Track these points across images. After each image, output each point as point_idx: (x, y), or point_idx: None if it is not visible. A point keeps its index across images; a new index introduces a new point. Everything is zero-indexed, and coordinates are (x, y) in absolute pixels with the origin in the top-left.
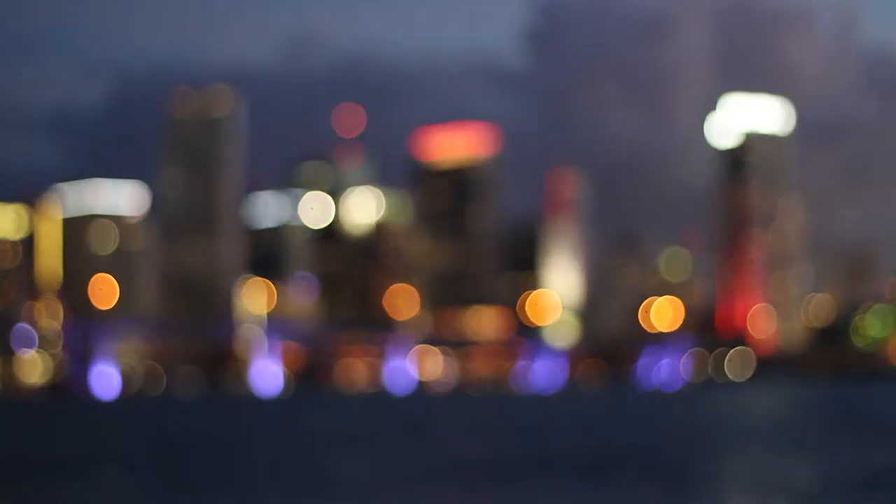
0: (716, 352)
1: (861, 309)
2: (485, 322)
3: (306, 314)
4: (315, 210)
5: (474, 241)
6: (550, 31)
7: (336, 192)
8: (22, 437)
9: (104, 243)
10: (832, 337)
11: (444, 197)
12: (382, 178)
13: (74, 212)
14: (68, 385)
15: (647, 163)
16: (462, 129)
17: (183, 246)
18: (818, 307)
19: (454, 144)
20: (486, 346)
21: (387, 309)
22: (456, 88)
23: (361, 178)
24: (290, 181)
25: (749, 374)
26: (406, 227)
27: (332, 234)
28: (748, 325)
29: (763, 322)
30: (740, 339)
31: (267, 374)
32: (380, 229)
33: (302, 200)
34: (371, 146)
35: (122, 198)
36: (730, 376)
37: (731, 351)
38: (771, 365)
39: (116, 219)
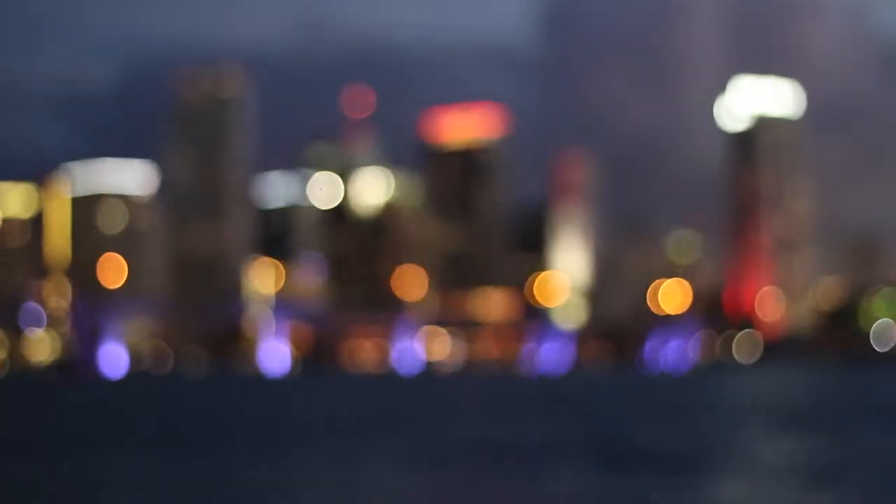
0: (723, 334)
1: (869, 292)
2: (492, 303)
3: (314, 295)
4: (324, 190)
5: (483, 223)
6: (561, 14)
7: (345, 173)
8: (28, 416)
9: (112, 222)
10: (840, 320)
11: (452, 178)
12: (391, 159)
13: (83, 191)
14: (76, 364)
15: (656, 145)
16: (471, 110)
17: (191, 225)
18: (826, 290)
19: (463, 125)
20: (494, 328)
21: (394, 290)
22: (466, 71)
23: (370, 159)
24: (299, 161)
25: (757, 357)
26: (414, 208)
27: (340, 214)
28: (756, 308)
29: (771, 305)
30: (748, 321)
31: (274, 354)
32: (388, 210)
33: (311, 181)
34: (380, 127)
35: (130, 177)
36: (737, 359)
37: (739, 334)
38: (778, 348)
39: (125, 198)
